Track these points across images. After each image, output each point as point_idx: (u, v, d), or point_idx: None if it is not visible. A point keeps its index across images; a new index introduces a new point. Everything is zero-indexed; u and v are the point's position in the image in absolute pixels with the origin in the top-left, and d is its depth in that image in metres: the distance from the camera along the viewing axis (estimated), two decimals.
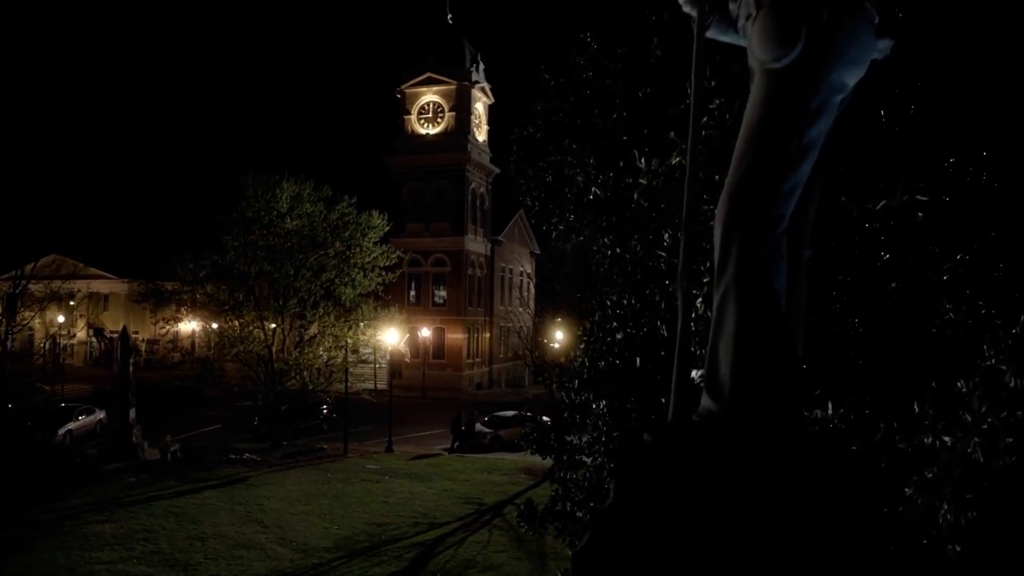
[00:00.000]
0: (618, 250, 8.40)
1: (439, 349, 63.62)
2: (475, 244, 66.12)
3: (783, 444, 2.20)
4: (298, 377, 36.75)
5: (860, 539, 2.61)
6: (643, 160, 5.90)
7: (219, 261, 35.20)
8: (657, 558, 2.18)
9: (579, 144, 7.70)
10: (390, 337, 37.16)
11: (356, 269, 36.91)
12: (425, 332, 58.69)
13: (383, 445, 36.00)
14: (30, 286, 59.97)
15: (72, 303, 70.44)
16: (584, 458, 11.15)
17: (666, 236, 7.21)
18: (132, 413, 32.50)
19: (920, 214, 4.99)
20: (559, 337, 49.03)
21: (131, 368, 33.01)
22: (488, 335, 69.23)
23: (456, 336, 63.86)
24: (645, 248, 7.99)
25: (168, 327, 38.37)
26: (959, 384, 4.70)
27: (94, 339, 77.77)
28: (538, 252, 76.01)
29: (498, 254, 70.41)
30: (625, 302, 8.40)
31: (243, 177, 35.45)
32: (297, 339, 37.40)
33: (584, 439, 11.60)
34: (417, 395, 57.20)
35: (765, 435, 2.18)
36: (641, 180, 5.95)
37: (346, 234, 36.54)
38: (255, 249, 35.30)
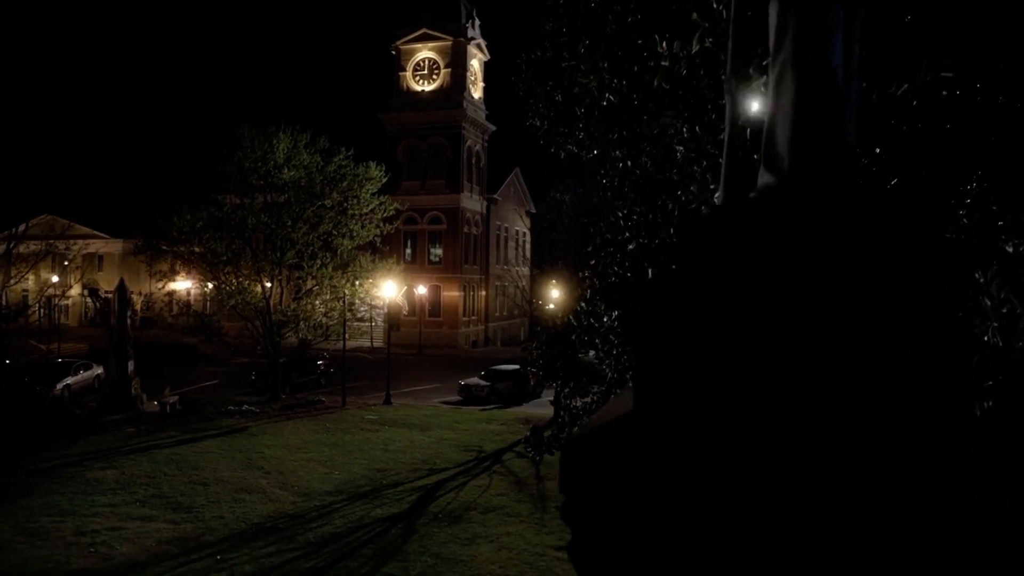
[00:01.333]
0: (629, 163, 8.33)
1: (435, 307, 63.68)
2: (471, 202, 65.91)
3: (838, 217, 2.17)
4: (296, 330, 36.73)
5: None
6: (664, 44, 5.81)
7: (216, 213, 34.98)
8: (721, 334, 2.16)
9: (593, 46, 7.59)
10: (388, 290, 37.10)
11: (354, 221, 36.77)
12: (421, 290, 58.72)
13: (381, 398, 36.15)
14: (21, 247, 59.55)
15: (66, 263, 69.95)
16: (592, 386, 11.19)
17: (679, 151, 7.15)
18: (131, 365, 32.51)
19: (944, 92, 4.92)
20: (555, 296, 49.03)
21: (128, 321, 32.93)
22: (484, 293, 69.26)
23: (452, 294, 63.88)
24: (657, 160, 7.93)
25: (164, 283, 38.23)
26: (977, 275, 4.68)
27: (89, 299, 77.67)
28: (534, 211, 75.81)
29: (494, 212, 70.23)
30: (636, 215, 8.36)
31: (239, 129, 35.17)
32: (295, 291, 37.32)
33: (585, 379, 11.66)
34: (413, 352, 57.40)
35: (821, 205, 2.15)
36: (663, 63, 5.86)
37: (344, 185, 36.34)
38: (252, 200, 35.12)
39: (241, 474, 23.03)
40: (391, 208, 38.11)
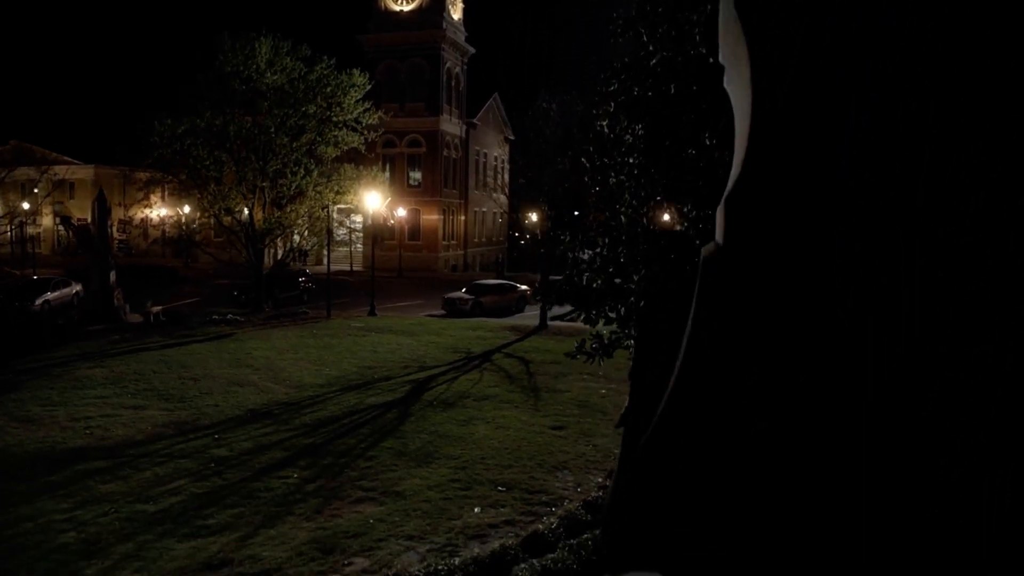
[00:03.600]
0: None
1: (414, 231, 63.40)
2: (450, 125, 65.21)
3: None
4: (281, 238, 36.41)
5: None
6: None
7: (197, 122, 34.20)
8: None
9: None
10: (371, 201, 36.73)
11: (339, 128, 36.22)
12: (401, 212, 58.30)
13: (365, 312, 36.09)
14: None
15: (35, 191, 68.48)
16: (598, 238, 11.16)
17: None
18: (112, 275, 32.12)
19: None
20: (535, 219, 48.93)
21: (109, 230, 32.42)
22: (463, 218, 68.99)
23: (431, 217, 63.57)
24: None
25: (139, 207, 37.64)
26: None
27: (61, 227, 76.27)
28: (512, 138, 75.13)
29: (473, 137, 69.60)
30: (659, 32, 8.27)
31: (218, 37, 34.33)
32: (277, 199, 36.73)
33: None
34: (394, 275, 57.23)
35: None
36: None
37: (328, 91, 35.69)
38: (233, 105, 34.43)
39: (231, 371, 23.00)
40: (374, 116, 37.54)
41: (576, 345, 11.14)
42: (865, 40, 2.11)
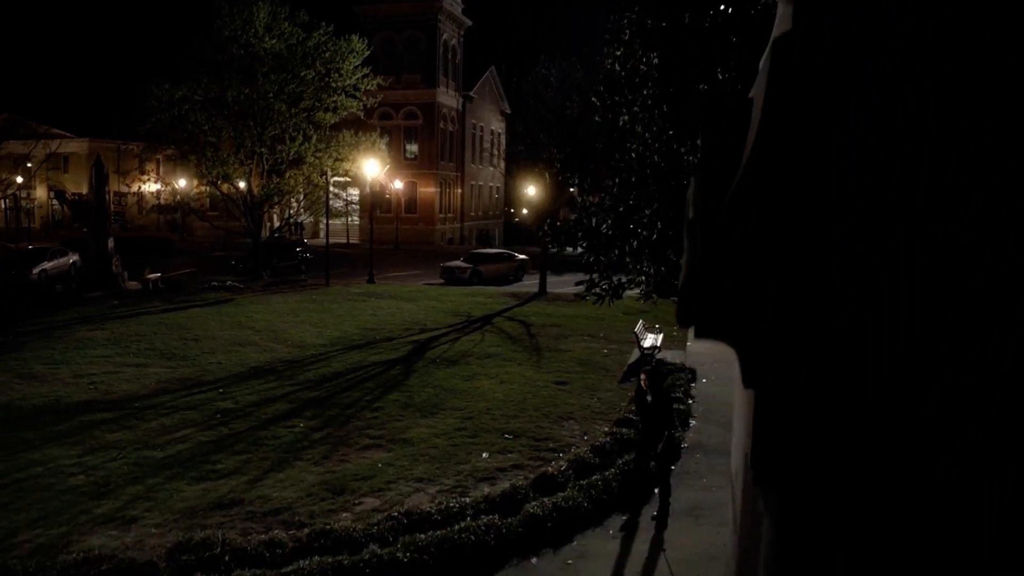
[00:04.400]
0: None
1: (411, 203, 63.22)
2: (447, 97, 64.88)
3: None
4: (279, 205, 36.25)
5: None
6: None
7: (194, 87, 33.93)
8: None
9: None
10: (370, 168, 36.52)
11: (337, 94, 35.99)
12: (397, 184, 58.09)
13: (364, 280, 36.05)
14: None
15: (28, 164, 67.92)
16: (607, 181, 11.15)
17: None
18: (111, 242, 31.99)
19: None
20: (532, 192, 48.75)
21: (107, 196, 32.22)
22: (460, 191, 68.80)
23: (428, 190, 63.37)
24: None
25: (137, 178, 37.45)
26: None
27: (55, 202, 75.87)
28: (509, 112, 74.83)
29: (469, 111, 69.27)
30: None
31: (216, 1, 34.05)
32: (276, 164, 36.47)
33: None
34: (390, 248, 57.11)
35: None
36: None
37: (326, 55, 35.42)
38: (231, 71, 34.15)
39: (232, 332, 22.98)
40: (373, 83, 37.28)
41: (584, 284, 11.15)
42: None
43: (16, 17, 76.72)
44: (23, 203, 71.30)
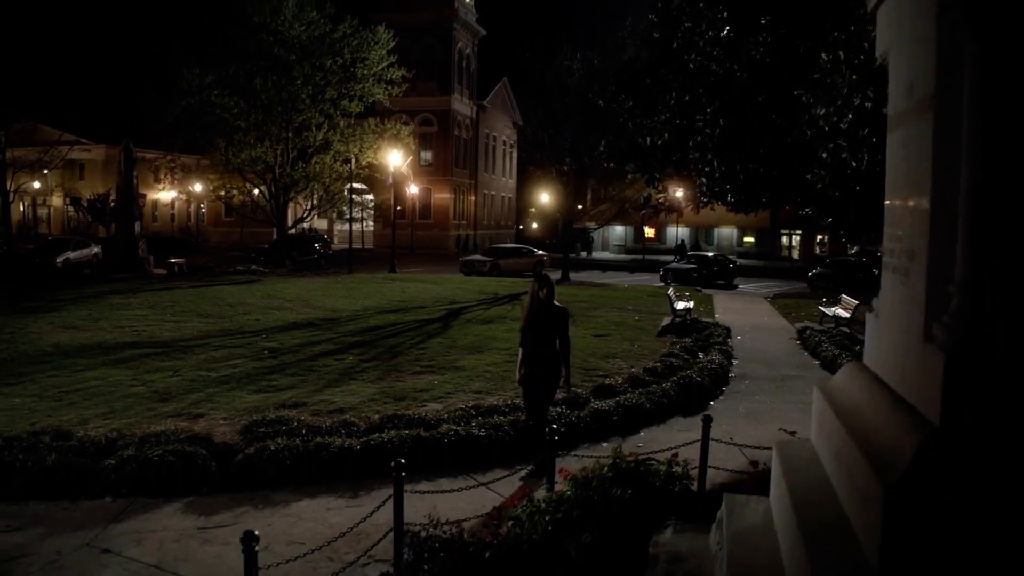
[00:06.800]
0: None
1: (426, 209, 63.55)
2: (461, 105, 65.44)
3: None
4: (305, 193, 36.54)
5: None
6: None
7: (223, 73, 34.32)
8: None
9: None
10: (394, 158, 36.83)
11: (363, 82, 36.41)
12: (413, 189, 58.43)
13: (385, 271, 36.26)
14: None
15: (45, 172, 68.30)
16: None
17: None
18: (137, 225, 32.23)
19: None
20: (544, 200, 49.03)
21: (135, 179, 32.44)
22: (473, 198, 69.16)
23: (443, 196, 63.74)
24: None
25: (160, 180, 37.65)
26: None
27: (71, 208, 76.27)
28: (521, 123, 75.33)
29: (483, 119, 69.81)
30: None
31: None
32: (304, 149, 36.67)
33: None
34: (405, 252, 57.37)
35: None
36: None
37: (354, 43, 35.87)
38: (259, 58, 34.53)
39: (265, 300, 23.16)
40: (398, 73, 37.72)
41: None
42: None
43: (35, 25, 77.32)
44: (40, 209, 71.73)
